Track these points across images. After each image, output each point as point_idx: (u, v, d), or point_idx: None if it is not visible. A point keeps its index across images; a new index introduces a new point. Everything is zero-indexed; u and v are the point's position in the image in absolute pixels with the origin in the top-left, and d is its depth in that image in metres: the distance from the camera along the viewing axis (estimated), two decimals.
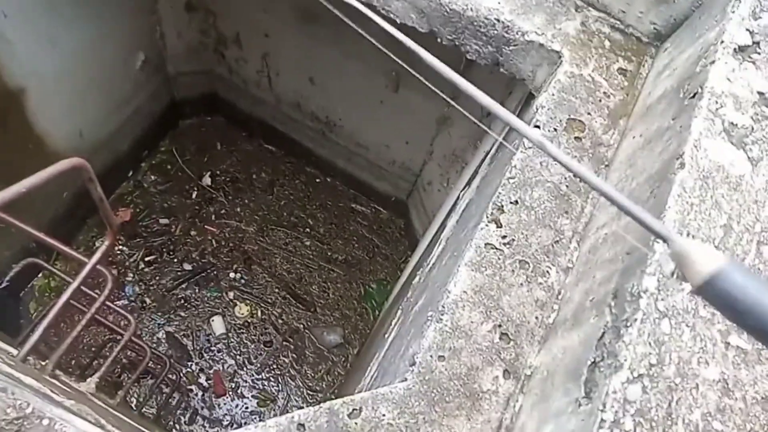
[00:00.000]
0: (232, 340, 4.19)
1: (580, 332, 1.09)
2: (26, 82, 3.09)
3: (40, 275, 3.95)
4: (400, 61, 0.91)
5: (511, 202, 1.39)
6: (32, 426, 0.99)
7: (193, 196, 4.66)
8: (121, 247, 4.25)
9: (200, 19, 4.10)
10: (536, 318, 1.26)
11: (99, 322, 2.92)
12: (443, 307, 1.23)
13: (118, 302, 4.03)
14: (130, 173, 4.55)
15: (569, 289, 1.26)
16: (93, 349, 3.77)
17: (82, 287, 1.99)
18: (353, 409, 1.09)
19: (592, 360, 0.97)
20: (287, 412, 4.00)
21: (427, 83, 0.95)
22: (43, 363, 1.94)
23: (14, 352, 1.80)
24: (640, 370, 0.91)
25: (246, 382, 4.06)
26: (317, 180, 5.02)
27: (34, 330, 2.94)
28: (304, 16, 3.59)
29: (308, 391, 4.13)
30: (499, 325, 1.23)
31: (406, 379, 1.15)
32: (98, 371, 2.26)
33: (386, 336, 2.10)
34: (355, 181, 4.90)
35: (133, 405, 3.75)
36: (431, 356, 1.17)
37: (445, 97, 1.16)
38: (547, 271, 1.31)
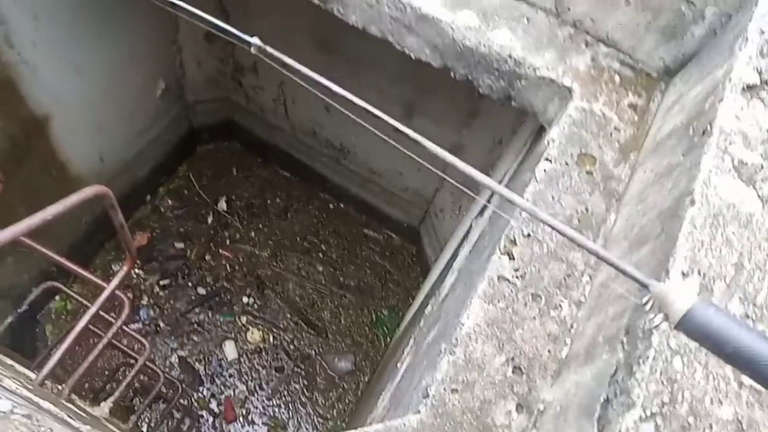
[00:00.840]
0: (244, 365, 4.20)
1: (592, 368, 1.10)
2: (51, 109, 3.19)
3: (56, 297, 4.01)
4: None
5: (523, 236, 1.41)
6: None
7: (209, 220, 4.73)
8: (136, 270, 4.30)
9: (219, 48, 4.22)
10: (549, 352, 1.26)
11: (114, 346, 2.95)
12: (456, 339, 1.24)
13: (132, 325, 4.07)
14: (148, 197, 4.65)
15: (582, 323, 1.27)
16: (106, 372, 3.80)
17: (99, 311, 2.02)
18: None
19: (605, 397, 0.97)
20: None
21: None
22: (60, 387, 1.97)
23: (32, 376, 1.83)
24: (653, 408, 0.91)
25: (257, 408, 4.05)
26: (330, 206, 5.07)
27: (51, 353, 2.99)
28: (321, 46, 3.68)
29: (319, 419, 4.10)
30: (512, 359, 1.24)
31: (419, 412, 1.15)
32: (112, 396, 2.29)
33: (399, 365, 2.10)
34: (367, 207, 4.95)
35: (144, 430, 3.75)
36: (444, 389, 1.18)
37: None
38: (560, 305, 1.32)
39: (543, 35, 1.80)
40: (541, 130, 1.95)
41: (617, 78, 1.77)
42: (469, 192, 1.20)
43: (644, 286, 0.75)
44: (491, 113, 3.42)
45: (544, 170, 1.54)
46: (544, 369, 1.25)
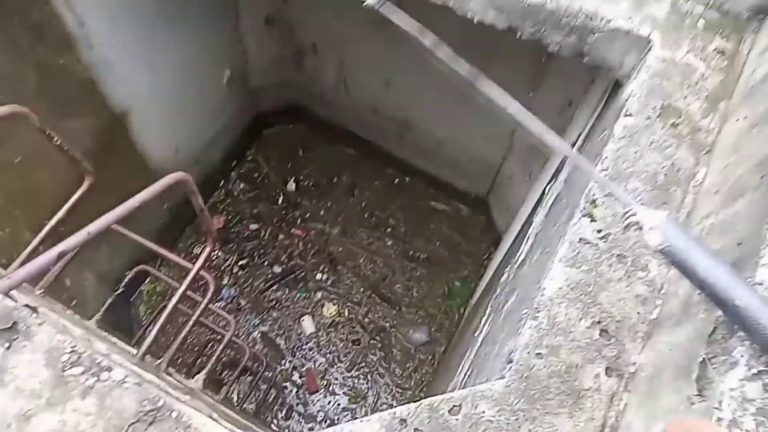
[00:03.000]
0: (322, 338, 4.35)
1: (688, 328, 1.05)
2: (129, 104, 3.38)
3: (146, 281, 4.31)
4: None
5: (604, 195, 1.36)
6: (164, 417, 1.10)
7: (279, 201, 4.89)
8: (217, 252, 4.53)
9: (279, 31, 4.29)
10: (638, 314, 1.22)
11: (202, 324, 3.15)
12: (539, 304, 1.23)
13: (216, 304, 4.30)
14: (221, 183, 4.86)
15: (673, 283, 1.21)
16: (196, 348, 4.05)
17: (187, 291, 2.15)
18: (453, 406, 1.11)
19: (703, 357, 0.93)
20: (378, 409, 4.09)
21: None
22: (158, 361, 2.12)
23: (134, 351, 1.99)
24: (759, 366, 0.86)
25: (337, 379, 4.20)
26: (396, 180, 5.09)
27: (147, 331, 3.22)
28: (378, 20, 3.65)
29: (397, 389, 4.20)
30: (599, 322, 1.21)
31: (504, 377, 1.15)
32: (203, 369, 2.44)
33: (476, 334, 2.11)
34: (433, 179, 4.92)
35: (234, 401, 3.99)
36: (528, 353, 1.17)
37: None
38: (647, 265, 1.26)
39: None
40: (616, 86, 1.85)
41: (701, 22, 1.64)
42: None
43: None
44: (559, 74, 3.28)
45: (624, 126, 1.46)
46: (633, 331, 1.20)
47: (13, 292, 1.15)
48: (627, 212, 0.99)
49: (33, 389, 0.96)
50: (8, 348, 0.99)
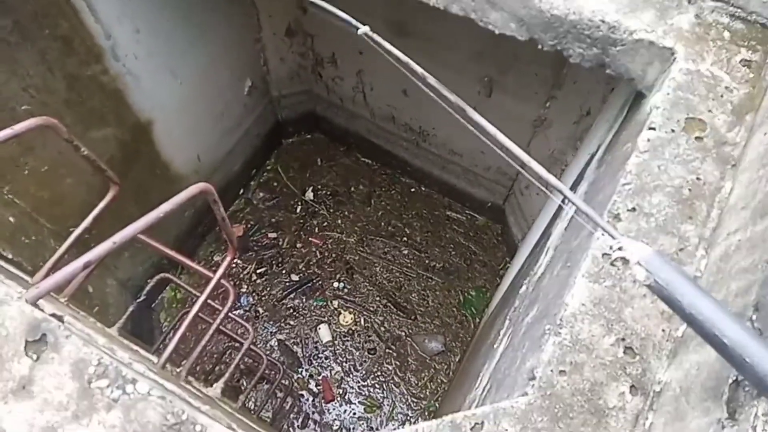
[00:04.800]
0: (338, 347, 4.35)
1: None
2: (153, 114, 3.44)
3: (167, 288, 4.36)
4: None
5: (628, 210, 1.34)
6: (187, 431, 1.11)
7: (298, 210, 4.92)
8: (236, 260, 4.57)
9: (299, 42, 4.33)
10: (663, 331, 1.20)
11: (221, 331, 3.17)
12: (561, 320, 1.21)
13: (234, 312, 4.33)
14: (241, 191, 4.90)
15: None
16: (215, 355, 4.08)
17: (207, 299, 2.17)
18: (475, 423, 1.10)
19: (735, 378, 0.91)
20: (393, 418, 4.07)
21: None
22: (178, 370, 2.14)
23: (154, 359, 2.01)
24: None
25: (353, 388, 4.19)
26: (413, 189, 5.09)
27: (167, 339, 3.25)
28: (396, 30, 3.67)
29: (412, 398, 4.18)
30: (623, 339, 1.19)
31: (526, 394, 1.14)
32: (222, 377, 2.45)
33: (495, 346, 2.09)
34: (450, 188, 4.92)
35: (251, 409, 4.00)
36: (551, 370, 1.16)
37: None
38: None
39: None
40: (638, 97, 1.83)
41: (726, 34, 1.62)
42: (544, 188, 1.16)
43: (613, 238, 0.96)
44: (577, 83, 3.26)
45: (648, 139, 1.45)
46: (659, 349, 1.19)
47: (40, 301, 1.18)
48: (612, 246, 0.95)
49: (60, 401, 0.98)
50: (36, 360, 1.00)
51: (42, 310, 1.13)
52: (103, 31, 2.79)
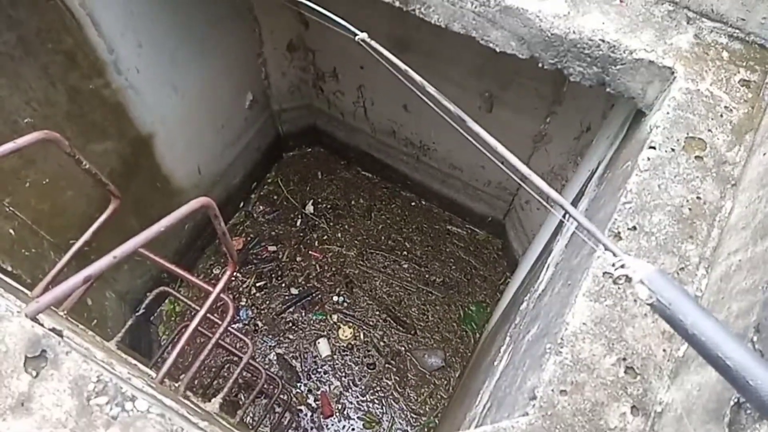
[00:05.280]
0: (337, 361, 4.32)
1: None
2: (154, 128, 3.46)
3: (166, 300, 4.34)
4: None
5: (629, 228, 1.34)
6: None
7: (298, 223, 4.92)
8: (235, 273, 4.56)
9: (300, 57, 4.37)
10: (664, 351, 1.20)
11: (220, 346, 3.16)
12: (562, 339, 1.21)
13: (233, 325, 4.31)
14: (241, 204, 4.91)
15: None
16: (213, 369, 4.05)
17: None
18: None
19: (736, 400, 0.91)
20: None
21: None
22: (176, 384, 2.13)
23: (153, 374, 2.00)
24: None
25: (351, 403, 4.16)
26: (413, 203, 5.10)
27: (165, 353, 3.22)
28: (397, 45, 3.71)
29: (412, 414, 4.15)
30: (624, 359, 1.18)
31: (527, 413, 1.13)
32: (220, 392, 2.44)
33: (495, 364, 2.08)
34: (450, 202, 4.92)
35: (249, 424, 3.96)
36: (552, 390, 1.15)
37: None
38: None
39: (638, 15, 1.70)
40: (638, 115, 1.85)
41: (725, 54, 1.64)
42: (544, 203, 1.16)
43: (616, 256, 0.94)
44: (577, 99, 3.28)
45: (648, 158, 1.45)
46: (660, 369, 1.18)
47: (39, 314, 1.17)
48: (614, 264, 0.94)
49: (58, 418, 0.97)
50: (36, 376, 1.00)
51: (42, 325, 1.13)
52: (106, 46, 2.81)
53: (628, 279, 0.90)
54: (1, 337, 1.03)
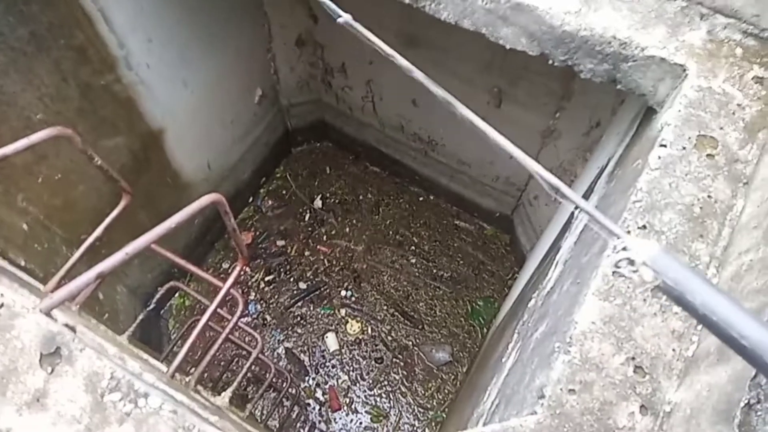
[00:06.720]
0: (345, 356, 4.35)
1: (727, 368, 1.02)
2: (164, 123, 3.48)
3: (176, 295, 4.38)
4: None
5: (639, 227, 1.34)
6: None
7: (306, 218, 4.94)
8: (244, 268, 4.58)
9: (309, 52, 4.37)
10: (673, 350, 1.19)
11: (230, 340, 3.18)
12: (571, 338, 1.21)
13: (243, 319, 4.34)
14: (250, 199, 4.93)
15: None
16: (222, 363, 4.09)
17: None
18: None
19: (746, 401, 0.90)
20: (400, 428, 4.06)
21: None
22: (187, 379, 2.15)
23: (164, 369, 2.02)
24: None
25: (359, 397, 4.19)
26: (421, 198, 5.10)
27: (175, 347, 3.25)
28: (406, 40, 3.70)
29: (419, 409, 4.17)
30: (633, 358, 1.18)
31: (535, 412, 1.14)
32: (230, 386, 2.46)
33: (503, 360, 2.08)
34: (458, 198, 4.92)
35: (258, 417, 4.00)
36: (561, 389, 1.16)
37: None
38: None
39: (650, 12, 1.68)
40: (649, 112, 1.83)
41: (739, 50, 1.62)
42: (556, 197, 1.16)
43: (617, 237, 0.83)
44: (586, 95, 3.26)
45: (659, 156, 1.44)
46: (669, 368, 1.18)
47: (53, 310, 1.19)
48: (616, 246, 0.89)
49: (73, 414, 0.99)
50: (51, 372, 1.02)
51: (55, 320, 1.14)
52: (117, 41, 2.83)
53: (631, 262, 0.88)
54: (17, 333, 1.05)
